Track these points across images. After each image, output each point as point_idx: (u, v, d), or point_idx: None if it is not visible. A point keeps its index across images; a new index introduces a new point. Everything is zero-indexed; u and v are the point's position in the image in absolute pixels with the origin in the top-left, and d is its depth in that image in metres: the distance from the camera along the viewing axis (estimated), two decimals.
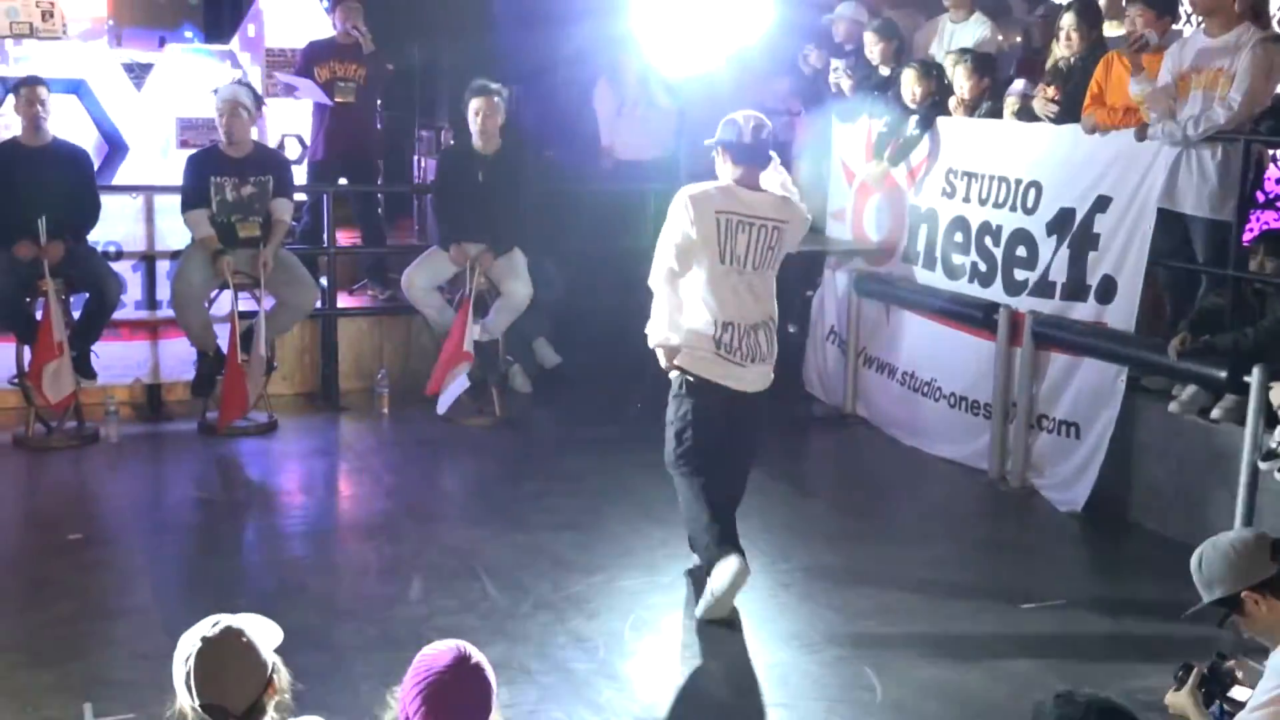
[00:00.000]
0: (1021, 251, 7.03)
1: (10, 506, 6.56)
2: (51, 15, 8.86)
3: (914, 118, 7.63)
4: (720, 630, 5.10)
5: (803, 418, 8.14)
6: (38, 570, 5.62)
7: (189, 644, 2.77)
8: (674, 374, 5.31)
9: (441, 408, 7.70)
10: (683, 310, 5.24)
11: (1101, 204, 6.55)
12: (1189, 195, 6.19)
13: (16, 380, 7.35)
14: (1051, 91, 6.88)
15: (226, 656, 2.77)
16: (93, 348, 7.41)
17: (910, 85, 7.66)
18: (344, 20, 8.85)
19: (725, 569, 5.08)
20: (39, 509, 6.52)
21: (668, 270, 5.23)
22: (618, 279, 9.80)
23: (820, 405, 8.42)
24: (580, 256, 9.11)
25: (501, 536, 6.04)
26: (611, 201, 9.91)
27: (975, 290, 7.32)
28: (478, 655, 2.83)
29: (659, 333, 5.28)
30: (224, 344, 7.52)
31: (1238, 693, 3.40)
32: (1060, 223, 6.78)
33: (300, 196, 8.43)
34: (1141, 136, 6.25)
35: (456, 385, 7.66)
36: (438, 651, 2.82)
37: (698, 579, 5.37)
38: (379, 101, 9.43)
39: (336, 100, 8.86)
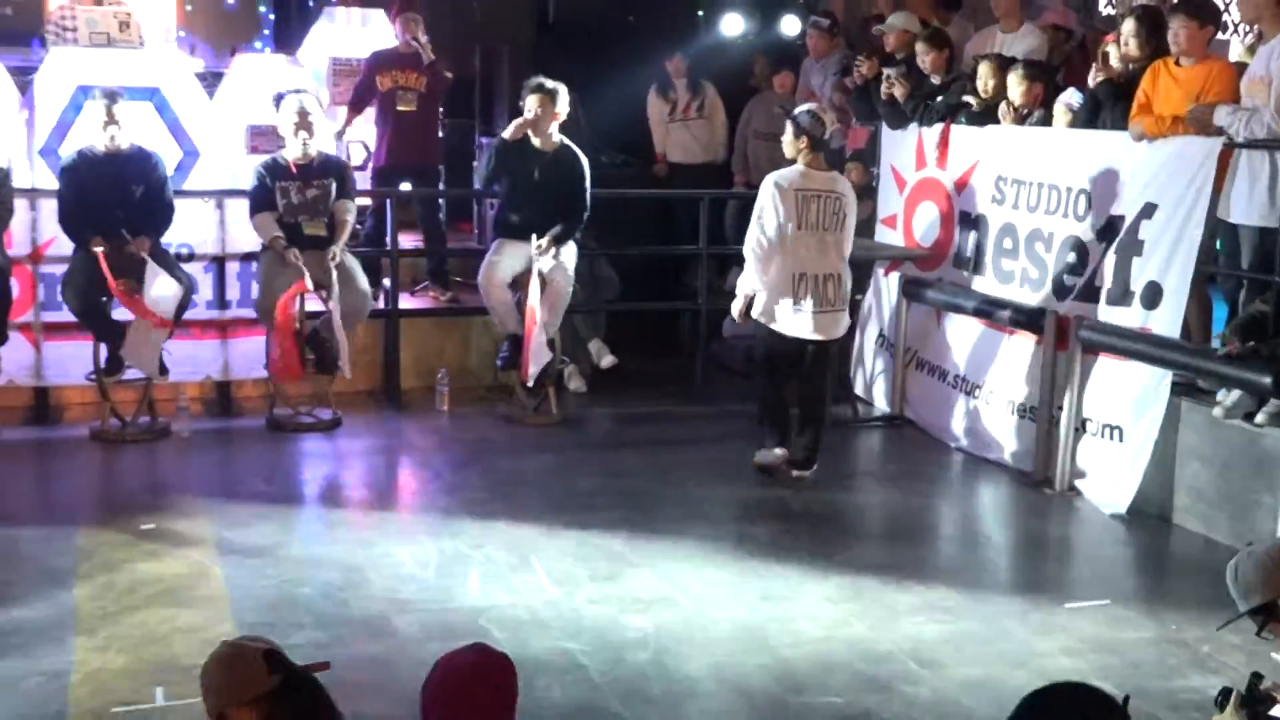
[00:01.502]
0: (1071, 257, 6.99)
1: (86, 498, 6.67)
2: (128, 26, 8.98)
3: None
4: (771, 624, 5.12)
5: (850, 419, 8.11)
6: (112, 558, 5.69)
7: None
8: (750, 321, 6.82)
9: (530, 380, 7.73)
10: (769, 270, 6.65)
11: (1148, 211, 6.50)
12: (1239, 203, 6.14)
13: (94, 376, 7.48)
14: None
15: (234, 655, 2.75)
16: (165, 346, 7.52)
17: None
18: (404, 31, 8.92)
19: (773, 454, 6.79)
20: (114, 500, 6.58)
21: (757, 239, 6.66)
22: (670, 281, 9.87)
23: (867, 407, 8.40)
24: (634, 259, 9.14)
25: (556, 531, 6.07)
26: (664, 206, 9.97)
27: (1025, 295, 7.29)
28: (499, 658, 2.84)
29: (746, 285, 6.78)
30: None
31: (1279, 711, 3.37)
32: (1108, 229, 6.73)
33: (364, 201, 8.50)
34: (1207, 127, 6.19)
35: (542, 356, 7.69)
36: (458, 652, 2.84)
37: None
38: (440, 109, 9.49)
39: (399, 108, 8.94)
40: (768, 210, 6.66)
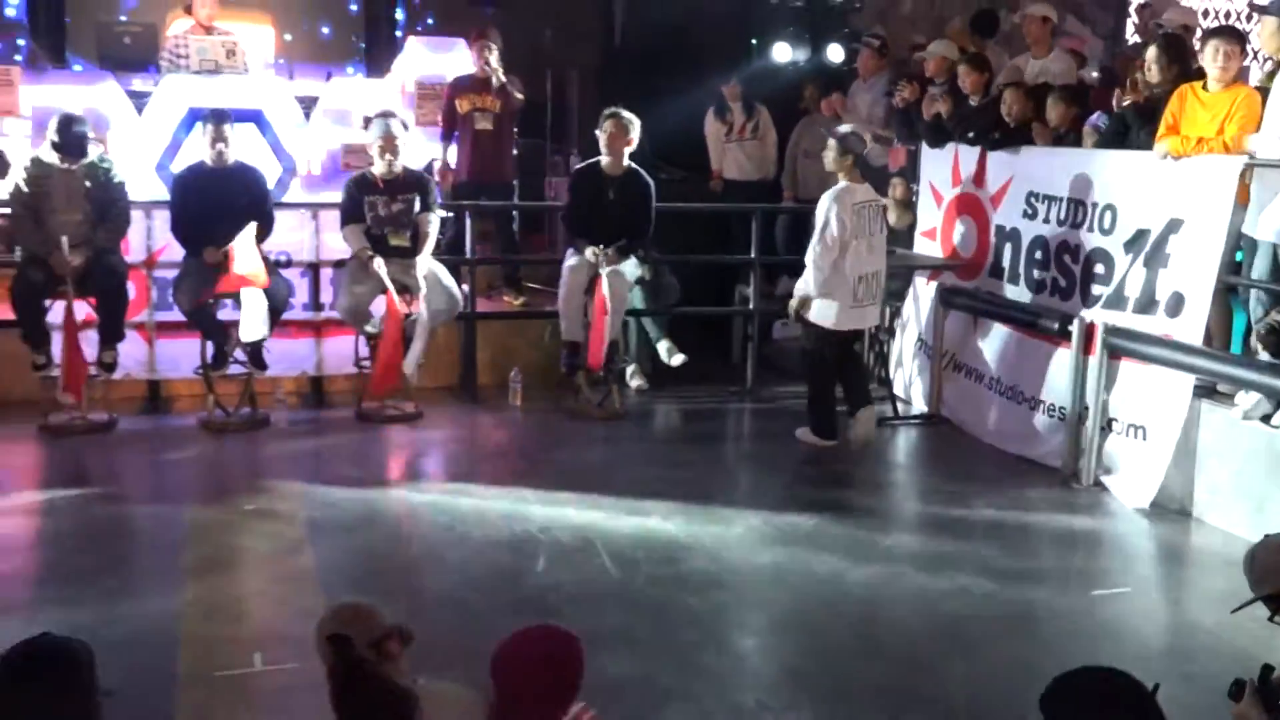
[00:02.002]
0: (1099, 269, 6.90)
1: (194, 480, 6.76)
2: (234, 54, 9.08)
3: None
4: (815, 606, 5.10)
5: (890, 417, 8.05)
6: (218, 537, 5.76)
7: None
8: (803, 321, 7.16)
9: (600, 366, 7.76)
10: (833, 273, 6.96)
11: (1174, 225, 6.40)
12: (1254, 218, 6.03)
13: (201, 370, 7.57)
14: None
15: (349, 604, 2.85)
16: (265, 345, 7.59)
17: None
18: (478, 57, 8.96)
19: (865, 415, 7.25)
20: (218, 483, 6.66)
21: (824, 247, 6.94)
22: (726, 288, 9.84)
23: (906, 406, 8.33)
24: (692, 267, 9.12)
25: (619, 517, 6.07)
26: (720, 219, 9.94)
27: (1054, 303, 7.20)
28: (565, 634, 2.84)
29: (803, 288, 7.09)
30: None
31: None
32: (1135, 242, 6.64)
33: (444, 213, 8.55)
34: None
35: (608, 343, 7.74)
36: (529, 628, 2.84)
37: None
38: (514, 129, 9.53)
39: (476, 128, 8.98)
40: (832, 224, 6.93)
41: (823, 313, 7.08)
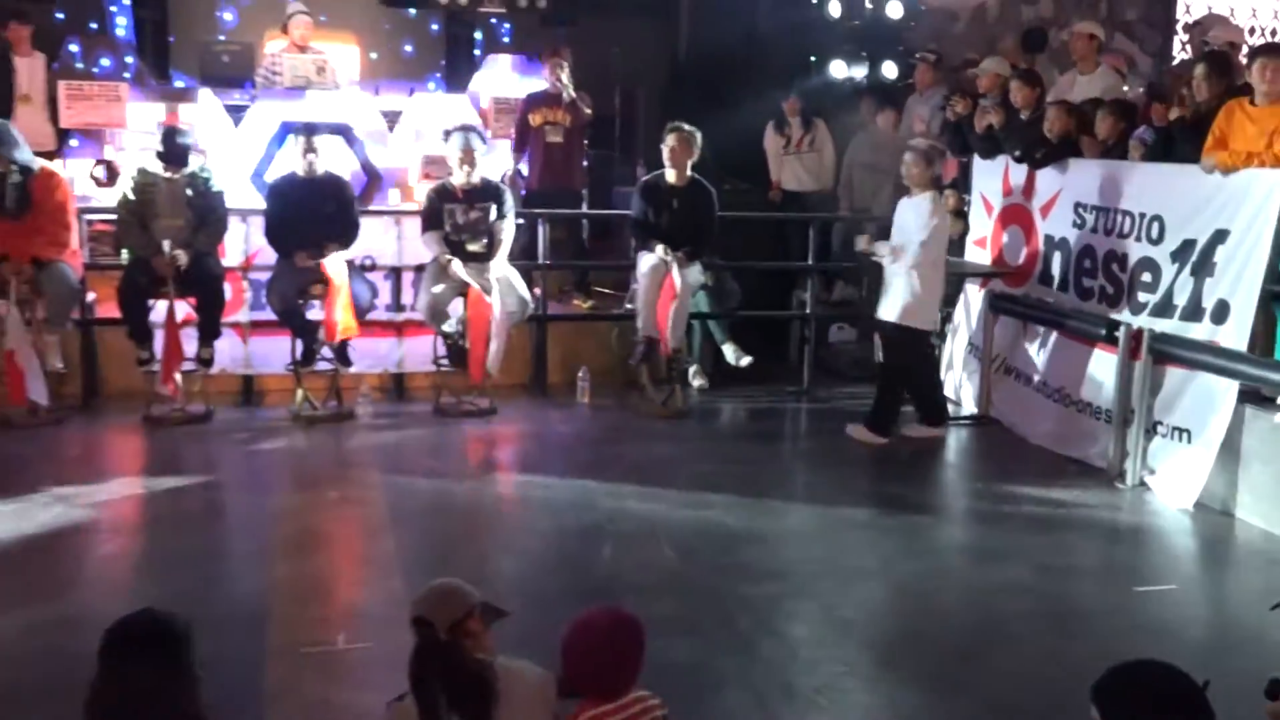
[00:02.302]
0: (1146, 277, 6.78)
1: (284, 470, 6.83)
2: (324, 71, 9.23)
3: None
4: (866, 598, 5.06)
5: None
6: (305, 522, 5.82)
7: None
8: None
9: (668, 351, 7.79)
10: (934, 274, 7.08)
11: (1220, 236, 6.27)
12: None
13: (292, 366, 7.67)
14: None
15: (437, 588, 2.86)
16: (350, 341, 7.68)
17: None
18: (550, 74, 9.04)
19: (929, 429, 7.37)
20: (306, 473, 6.73)
21: (934, 252, 7.06)
22: (784, 294, 9.79)
23: (956, 407, 8.24)
24: (752, 273, 9.09)
25: (680, 509, 6.06)
26: (778, 227, 9.89)
27: (1101, 309, 7.08)
28: (630, 618, 2.84)
29: (906, 295, 7.08)
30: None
31: None
32: (1182, 252, 6.51)
33: (518, 220, 8.59)
34: None
35: (680, 326, 7.82)
36: (595, 611, 2.85)
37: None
38: (584, 142, 9.56)
39: (547, 140, 9.04)
40: (943, 231, 7.17)
41: (925, 315, 7.18)
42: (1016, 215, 7.96)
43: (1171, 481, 6.38)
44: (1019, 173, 7.88)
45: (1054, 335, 7.46)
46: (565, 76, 8.98)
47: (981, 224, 8.35)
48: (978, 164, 8.36)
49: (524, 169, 9.31)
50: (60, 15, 10.48)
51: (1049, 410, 7.39)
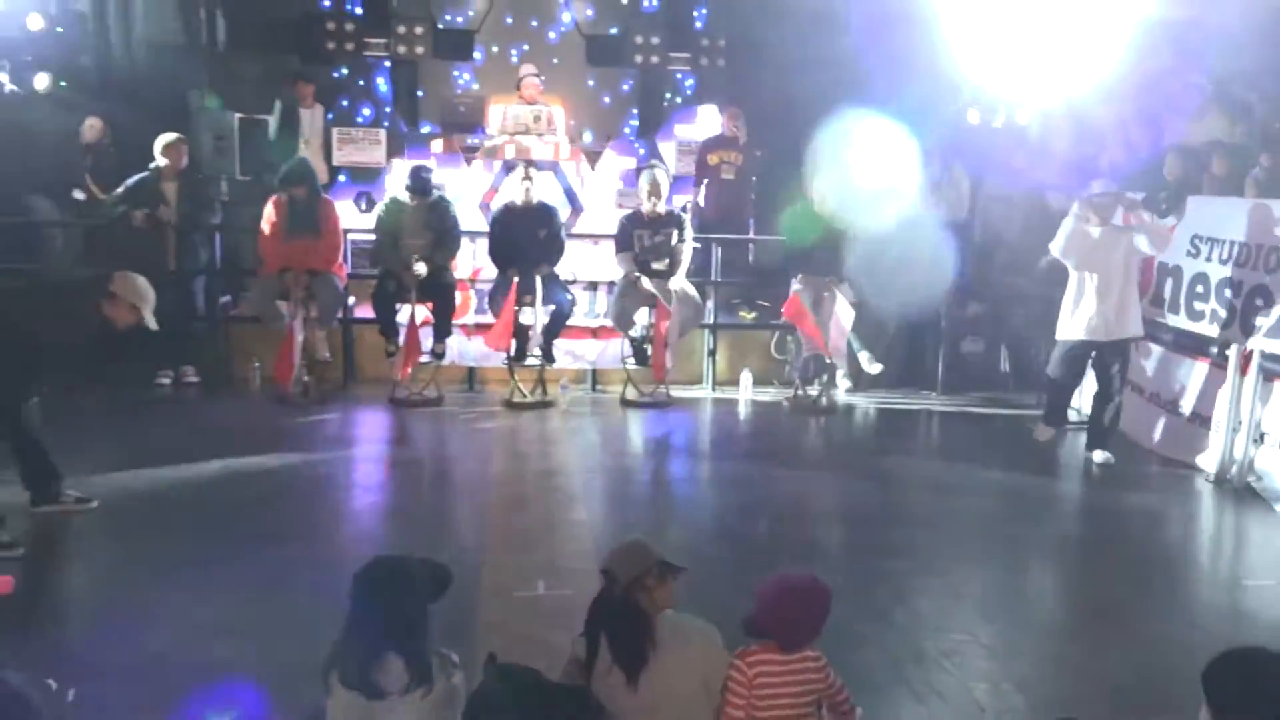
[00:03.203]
0: (1259, 302, 6.31)
1: (498, 446, 6.95)
2: (540, 119, 9.43)
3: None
4: (991, 579, 4.86)
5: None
6: (515, 490, 5.95)
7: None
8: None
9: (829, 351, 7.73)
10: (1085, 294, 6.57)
11: None
12: None
13: (507, 361, 7.80)
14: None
15: (626, 544, 2.91)
16: (554, 342, 7.83)
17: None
18: (728, 121, 9.04)
19: (1046, 431, 6.99)
20: (516, 448, 6.86)
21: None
22: (925, 311, 9.50)
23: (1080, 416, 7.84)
24: (893, 290, 8.85)
25: (825, 489, 5.96)
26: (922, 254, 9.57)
27: (1212, 330, 6.63)
28: (823, 584, 2.82)
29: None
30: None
31: None
32: None
33: (695, 244, 8.59)
34: None
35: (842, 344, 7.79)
36: (795, 573, 2.83)
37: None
38: (754, 178, 9.49)
39: (722, 177, 9.03)
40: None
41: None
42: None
43: (1276, 486, 5.93)
44: None
45: (1167, 352, 7.02)
46: (741, 124, 8.99)
47: None
48: None
49: (701, 200, 9.32)
50: (337, 73, 10.90)
51: (1162, 419, 6.95)
